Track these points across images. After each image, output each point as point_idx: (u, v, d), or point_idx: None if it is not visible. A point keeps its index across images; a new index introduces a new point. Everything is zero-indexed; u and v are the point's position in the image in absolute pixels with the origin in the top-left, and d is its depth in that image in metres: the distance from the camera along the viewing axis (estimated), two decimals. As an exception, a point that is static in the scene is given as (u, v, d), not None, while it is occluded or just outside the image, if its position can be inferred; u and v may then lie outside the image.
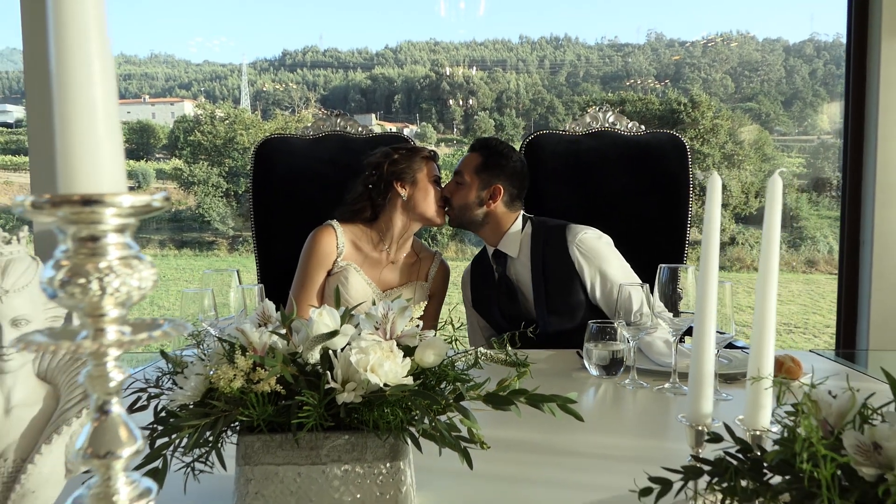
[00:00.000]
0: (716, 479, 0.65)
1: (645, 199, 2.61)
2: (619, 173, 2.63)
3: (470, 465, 0.91)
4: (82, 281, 0.37)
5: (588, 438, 1.34)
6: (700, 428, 0.81)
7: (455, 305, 2.38)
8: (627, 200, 2.61)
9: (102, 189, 0.36)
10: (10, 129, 36.88)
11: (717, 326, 1.72)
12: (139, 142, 33.60)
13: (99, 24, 0.37)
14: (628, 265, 2.26)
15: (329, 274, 2.28)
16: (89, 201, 0.36)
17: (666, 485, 0.68)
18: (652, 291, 1.63)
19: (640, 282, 1.88)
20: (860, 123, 3.22)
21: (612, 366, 1.73)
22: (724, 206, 23.20)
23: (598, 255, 2.23)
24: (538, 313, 2.27)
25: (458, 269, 2.67)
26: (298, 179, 2.65)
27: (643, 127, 2.67)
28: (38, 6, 2.89)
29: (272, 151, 2.70)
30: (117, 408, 0.41)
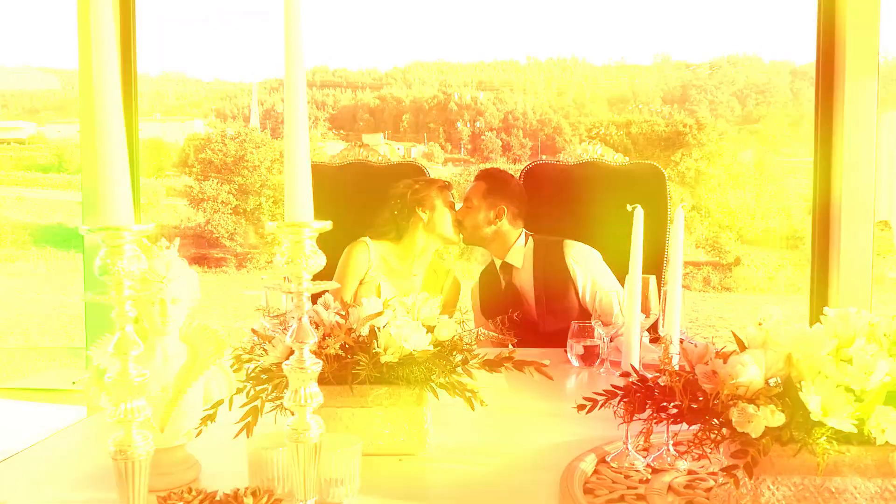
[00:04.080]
0: (625, 400, 1.03)
1: (628, 221, 2.99)
2: (606, 199, 3.02)
3: (472, 407, 1.30)
4: (297, 260, 0.77)
5: (563, 404, 1.72)
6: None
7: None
8: (612, 222, 2.99)
9: (305, 218, 0.76)
10: (22, 146, 37.32)
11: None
12: (150, 159, 34.01)
13: (304, 104, 0.77)
14: (614, 276, 2.67)
15: (360, 283, 2.68)
16: (302, 225, 0.76)
17: (594, 402, 1.07)
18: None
19: (621, 289, 2.28)
20: (828, 150, 3.59)
21: (589, 357, 2.11)
22: (730, 228, 23.21)
23: (589, 265, 2.67)
24: (538, 314, 2.67)
25: (465, 285, 3.07)
26: (326, 202, 3.05)
27: (627, 158, 3.09)
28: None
29: (303, 177, 3.10)
30: (307, 319, 0.81)
